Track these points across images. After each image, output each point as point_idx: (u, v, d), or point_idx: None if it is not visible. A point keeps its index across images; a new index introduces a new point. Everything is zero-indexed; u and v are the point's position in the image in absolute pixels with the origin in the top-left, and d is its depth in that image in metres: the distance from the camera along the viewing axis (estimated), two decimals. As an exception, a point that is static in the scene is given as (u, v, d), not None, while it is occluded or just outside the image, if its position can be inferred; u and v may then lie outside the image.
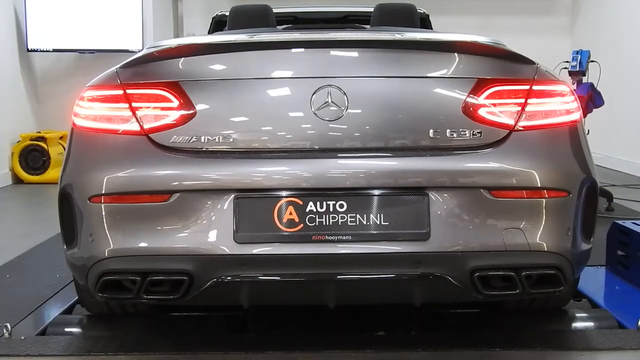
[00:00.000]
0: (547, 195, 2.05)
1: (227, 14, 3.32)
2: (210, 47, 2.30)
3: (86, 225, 2.07)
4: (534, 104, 2.11)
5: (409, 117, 2.09)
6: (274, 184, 2.01)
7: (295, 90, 2.12)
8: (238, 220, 2.00)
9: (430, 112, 2.09)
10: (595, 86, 5.29)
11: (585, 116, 4.78)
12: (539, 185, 2.04)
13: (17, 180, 6.71)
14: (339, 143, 2.06)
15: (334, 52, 2.21)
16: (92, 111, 2.13)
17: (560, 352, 2.32)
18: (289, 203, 2.00)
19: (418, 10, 3.30)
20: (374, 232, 2.00)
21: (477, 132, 2.06)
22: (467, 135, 2.06)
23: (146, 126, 2.08)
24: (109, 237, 2.04)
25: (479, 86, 2.09)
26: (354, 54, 2.21)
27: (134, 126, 2.08)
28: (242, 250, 2.00)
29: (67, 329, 2.58)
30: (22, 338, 2.42)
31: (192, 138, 2.06)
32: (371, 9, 3.30)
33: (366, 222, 2.00)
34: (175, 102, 2.08)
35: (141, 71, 2.17)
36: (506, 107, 2.10)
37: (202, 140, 2.06)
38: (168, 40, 2.46)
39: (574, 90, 3.77)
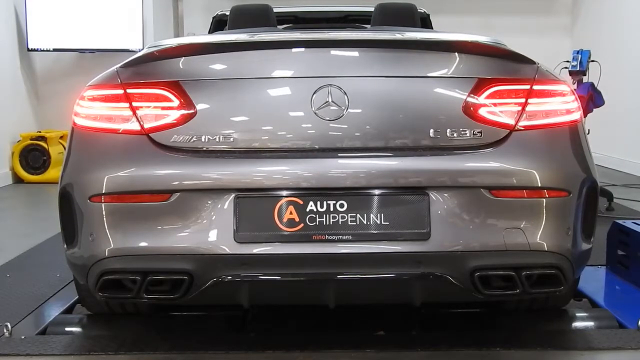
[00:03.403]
0: (547, 195, 2.05)
1: (228, 13, 3.33)
2: (210, 47, 2.30)
3: (86, 224, 2.07)
4: (535, 104, 2.11)
5: (409, 117, 2.09)
6: (274, 184, 2.01)
7: (295, 90, 2.12)
8: (238, 219, 2.00)
9: (431, 112, 2.09)
10: (596, 86, 5.29)
11: (585, 116, 4.79)
12: (540, 185, 2.04)
13: (18, 179, 6.71)
14: (340, 143, 2.06)
15: (335, 52, 2.21)
16: (93, 110, 2.13)
17: (560, 352, 2.32)
18: (289, 203, 2.00)
19: (418, 10, 3.30)
20: (374, 231, 2.00)
21: (478, 132, 2.06)
22: (468, 135, 2.06)
23: (146, 126, 2.08)
24: (109, 236, 2.04)
25: (479, 86, 2.10)
26: (354, 53, 2.21)
27: (134, 126, 2.08)
28: (242, 249, 2.00)
29: (67, 329, 2.58)
30: (23, 337, 2.42)
31: (192, 138, 2.06)
32: (372, 9, 3.30)
33: (366, 222, 2.00)
34: (176, 102, 2.08)
35: (141, 71, 2.17)
36: (506, 107, 2.10)
37: (203, 140, 2.06)
38: (168, 40, 2.46)
39: (575, 90, 3.78)
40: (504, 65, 2.18)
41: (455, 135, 2.06)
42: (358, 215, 2.01)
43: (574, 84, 5.43)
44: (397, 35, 2.44)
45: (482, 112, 2.08)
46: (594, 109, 5.27)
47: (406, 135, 2.08)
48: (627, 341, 2.36)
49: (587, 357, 2.29)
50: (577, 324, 2.62)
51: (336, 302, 2.20)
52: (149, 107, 2.10)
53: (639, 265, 3.07)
